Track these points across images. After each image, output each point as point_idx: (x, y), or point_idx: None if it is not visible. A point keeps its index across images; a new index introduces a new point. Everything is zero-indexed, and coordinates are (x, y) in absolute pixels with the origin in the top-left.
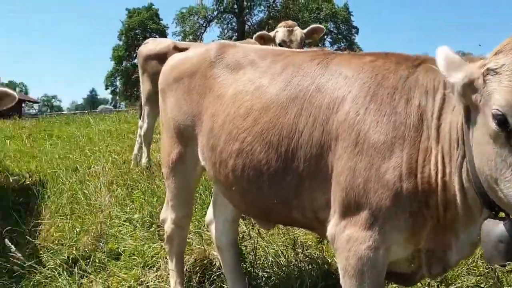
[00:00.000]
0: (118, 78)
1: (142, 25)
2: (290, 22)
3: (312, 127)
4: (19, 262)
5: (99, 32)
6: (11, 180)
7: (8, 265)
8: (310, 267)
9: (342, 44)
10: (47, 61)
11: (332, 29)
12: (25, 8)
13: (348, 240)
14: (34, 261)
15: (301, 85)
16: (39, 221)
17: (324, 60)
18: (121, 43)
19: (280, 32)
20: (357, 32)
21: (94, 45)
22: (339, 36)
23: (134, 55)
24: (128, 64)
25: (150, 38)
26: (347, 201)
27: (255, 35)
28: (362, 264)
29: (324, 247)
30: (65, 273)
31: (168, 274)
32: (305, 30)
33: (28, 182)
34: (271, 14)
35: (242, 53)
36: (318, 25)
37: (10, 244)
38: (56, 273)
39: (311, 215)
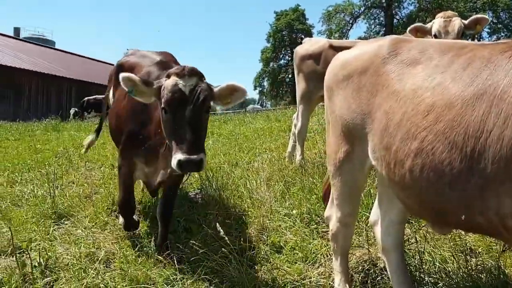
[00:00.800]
0: (266, 78)
1: (289, 26)
2: (449, 12)
3: (503, 126)
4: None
5: (248, 35)
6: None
7: (188, 251)
8: (483, 276)
9: (502, 34)
10: (201, 66)
11: (491, 18)
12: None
13: None
14: (205, 249)
15: (490, 80)
16: (208, 211)
17: None
18: (269, 45)
19: (436, 23)
20: None
21: (243, 48)
22: (499, 26)
23: (281, 56)
24: (275, 65)
25: (306, 38)
26: None
27: (409, 28)
28: None
29: (498, 255)
30: (234, 262)
31: (331, 272)
32: (466, 21)
33: (197, 175)
34: (422, 6)
35: (419, 47)
36: (482, 15)
37: (220, 228)
38: (227, 261)
39: (497, 220)
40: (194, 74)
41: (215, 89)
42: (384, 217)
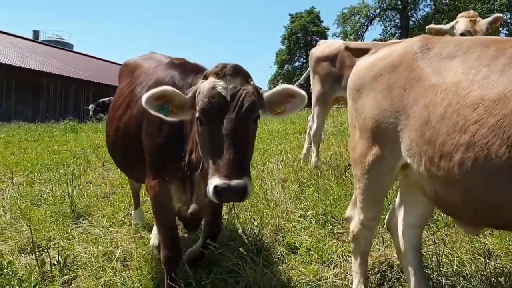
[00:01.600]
0: (280, 81)
1: (304, 28)
2: (471, 12)
3: None
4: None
5: (263, 38)
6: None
7: (204, 251)
8: (502, 280)
9: None
10: None
11: (509, 20)
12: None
13: None
14: (221, 249)
15: None
16: (223, 211)
17: None
18: (283, 47)
19: (461, 23)
20: None
21: (257, 50)
22: None
23: (296, 58)
24: (290, 68)
25: (322, 40)
26: None
27: (427, 27)
28: None
29: None
30: (250, 262)
31: (346, 273)
32: (486, 20)
33: None
34: (438, 7)
35: (453, 42)
36: (497, 14)
37: (239, 225)
38: (243, 261)
39: None
40: (238, 73)
41: (265, 94)
42: (403, 220)
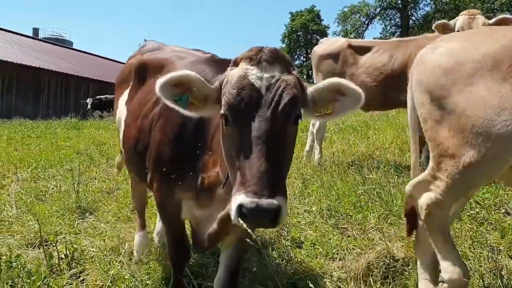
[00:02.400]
0: None
1: (304, 27)
2: (473, 10)
3: None
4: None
5: (262, 36)
6: None
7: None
8: (504, 273)
9: None
10: None
11: None
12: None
13: None
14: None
15: None
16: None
17: None
18: (284, 45)
19: (459, 20)
20: None
21: None
22: None
23: (296, 56)
24: None
25: (324, 38)
26: None
27: (436, 23)
28: None
29: None
30: (257, 256)
31: (351, 265)
32: (492, 20)
33: None
34: (438, 7)
35: None
36: (507, 15)
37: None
38: (249, 255)
39: None
40: (277, 60)
41: (310, 89)
42: None
